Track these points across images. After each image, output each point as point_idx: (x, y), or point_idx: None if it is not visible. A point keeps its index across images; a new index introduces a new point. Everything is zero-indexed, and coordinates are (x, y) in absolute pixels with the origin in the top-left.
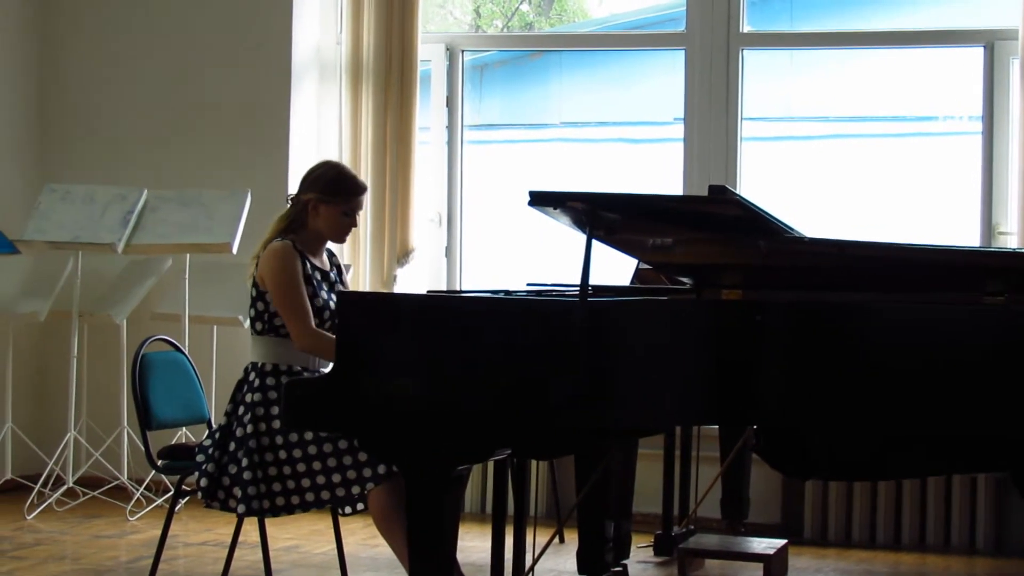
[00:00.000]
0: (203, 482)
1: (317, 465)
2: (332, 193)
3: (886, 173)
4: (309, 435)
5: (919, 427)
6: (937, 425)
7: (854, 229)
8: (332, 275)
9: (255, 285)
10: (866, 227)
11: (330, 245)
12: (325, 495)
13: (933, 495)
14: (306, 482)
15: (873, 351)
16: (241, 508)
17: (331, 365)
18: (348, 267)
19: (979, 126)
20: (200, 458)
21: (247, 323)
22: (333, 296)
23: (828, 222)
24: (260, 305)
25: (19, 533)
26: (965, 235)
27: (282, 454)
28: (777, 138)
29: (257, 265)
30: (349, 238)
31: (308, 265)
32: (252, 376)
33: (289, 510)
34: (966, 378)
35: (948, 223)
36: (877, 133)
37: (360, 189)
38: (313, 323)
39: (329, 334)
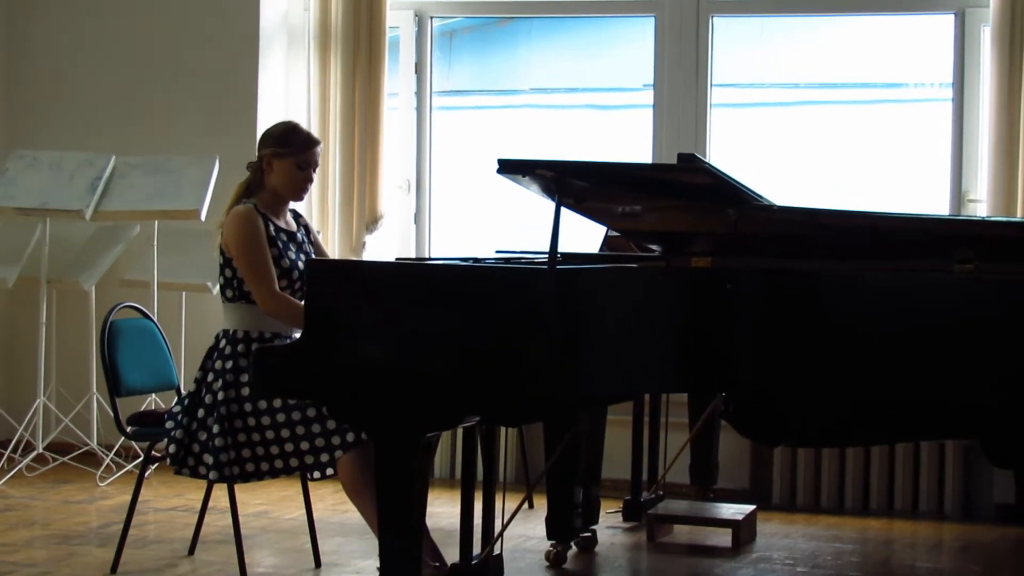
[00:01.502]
0: (172, 448)
1: (286, 432)
2: (284, 144)
3: (856, 140)
4: (278, 402)
5: (888, 394)
6: (906, 392)
7: (824, 197)
8: (300, 235)
9: (222, 252)
10: (836, 195)
11: (296, 207)
12: (294, 462)
13: (901, 461)
14: (275, 449)
15: (843, 318)
16: (213, 475)
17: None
18: (318, 232)
19: (949, 93)
20: (169, 424)
21: (216, 290)
22: (302, 257)
23: (799, 190)
24: (228, 272)
25: None
26: (935, 203)
27: (251, 421)
28: (747, 105)
29: (222, 232)
30: (317, 204)
31: (272, 227)
32: (223, 343)
33: (259, 476)
34: (935, 345)
35: (918, 191)
36: (847, 100)
37: (312, 142)
38: (277, 286)
39: (294, 299)
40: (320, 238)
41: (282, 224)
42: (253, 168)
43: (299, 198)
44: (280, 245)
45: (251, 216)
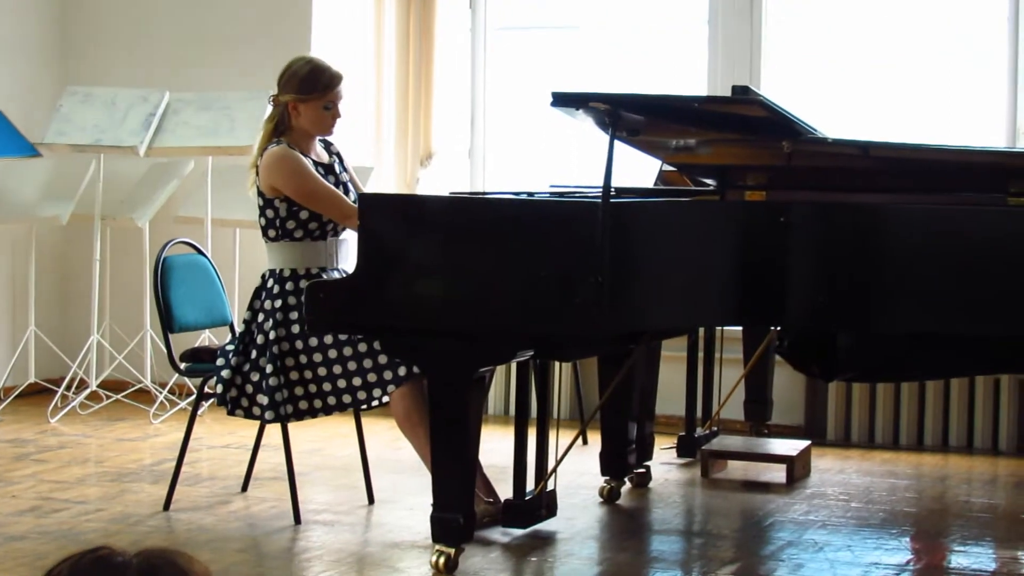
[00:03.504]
0: (219, 389)
1: (338, 369)
2: (309, 91)
3: (910, 72)
4: (329, 339)
5: (942, 327)
6: (961, 325)
7: (878, 130)
8: (334, 165)
9: (260, 194)
10: (890, 128)
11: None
12: (347, 399)
13: (956, 396)
14: (327, 386)
15: (898, 252)
16: (269, 415)
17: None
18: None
19: (1005, 28)
20: (220, 362)
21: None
22: (339, 186)
23: (852, 123)
24: (270, 212)
25: (43, 436)
26: (989, 136)
27: (303, 358)
28: (801, 42)
29: (257, 173)
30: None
31: (309, 162)
32: (270, 283)
33: (313, 414)
34: (989, 278)
35: (972, 125)
36: (901, 42)
37: (336, 80)
38: (350, 200)
39: None
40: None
41: (315, 157)
42: (277, 110)
43: (328, 134)
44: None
45: (289, 152)
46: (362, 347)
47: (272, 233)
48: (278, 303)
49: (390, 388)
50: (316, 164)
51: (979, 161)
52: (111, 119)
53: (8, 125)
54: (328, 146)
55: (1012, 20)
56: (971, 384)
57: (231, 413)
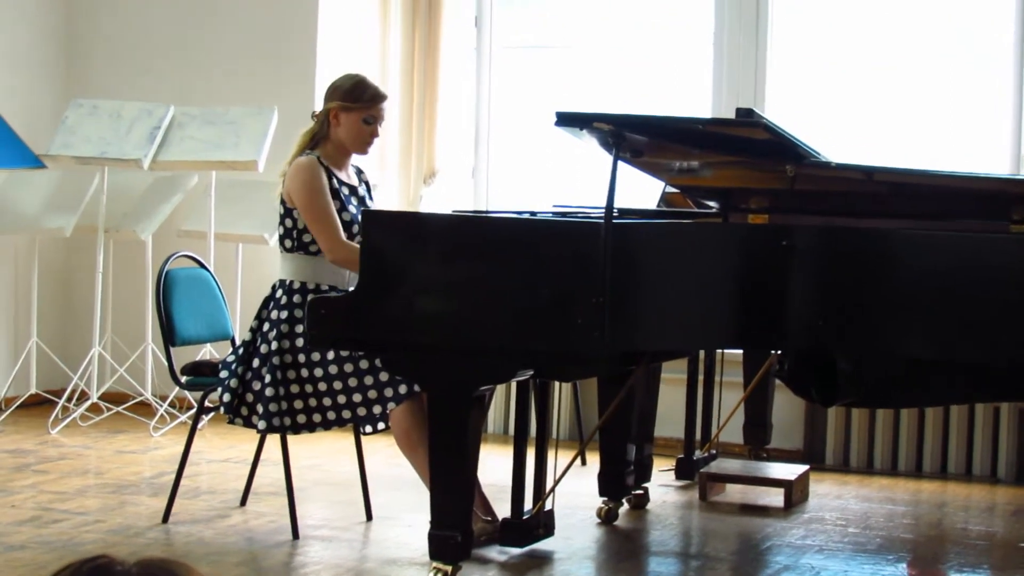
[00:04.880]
0: (226, 397)
1: (339, 385)
2: (352, 99)
3: (915, 97)
4: (331, 354)
5: (943, 354)
6: (961, 352)
7: (881, 155)
8: (361, 190)
9: (283, 202)
10: (894, 153)
11: (357, 160)
12: (347, 414)
13: (956, 423)
14: (327, 401)
15: (900, 277)
16: (262, 424)
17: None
18: (375, 186)
19: (1012, 53)
20: (224, 374)
21: (272, 241)
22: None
23: (856, 147)
24: (288, 222)
25: (43, 447)
26: (993, 163)
27: (304, 372)
28: (806, 61)
29: (284, 182)
30: (375, 157)
31: (335, 180)
32: (279, 293)
33: (311, 428)
34: (991, 305)
35: (976, 151)
36: (907, 56)
37: (380, 97)
38: (343, 235)
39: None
40: (376, 193)
41: (344, 177)
42: (319, 119)
43: (364, 152)
44: (343, 198)
45: (314, 167)
46: (363, 364)
47: (288, 244)
48: (284, 314)
49: (390, 405)
50: (343, 184)
51: (982, 188)
52: (116, 132)
53: (13, 136)
54: (359, 173)
55: (1018, 45)
56: (971, 411)
57: (231, 421)
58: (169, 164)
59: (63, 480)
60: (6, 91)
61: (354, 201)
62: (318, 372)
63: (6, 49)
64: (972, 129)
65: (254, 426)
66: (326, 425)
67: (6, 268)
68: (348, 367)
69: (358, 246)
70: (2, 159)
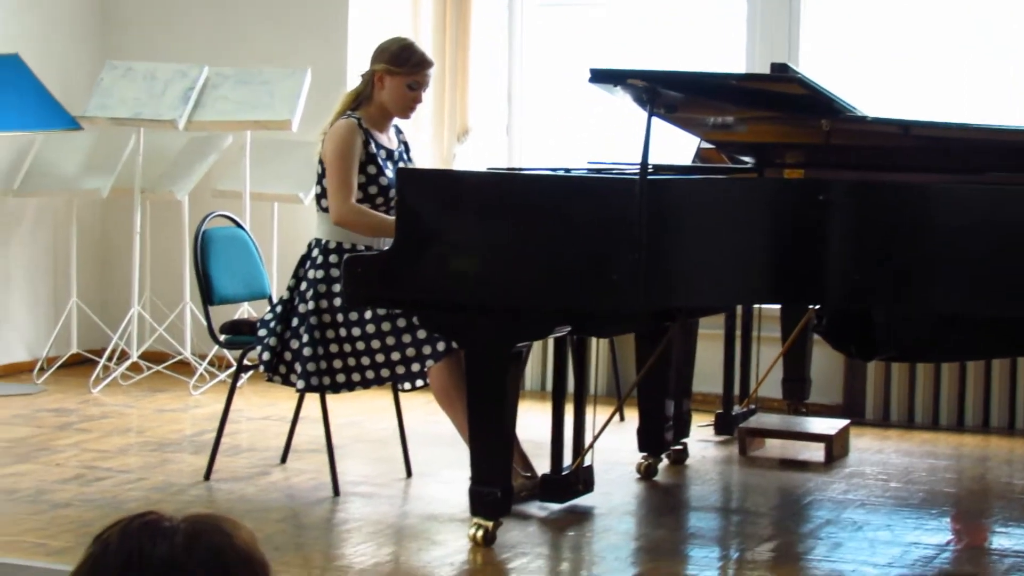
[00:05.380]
0: (265, 356)
1: (377, 344)
2: (398, 63)
3: (952, 49)
4: (369, 314)
5: (981, 308)
6: (1000, 306)
7: (916, 108)
8: (397, 153)
9: (320, 162)
10: (929, 106)
11: (397, 122)
12: (385, 373)
13: (997, 377)
14: (366, 360)
15: (937, 231)
16: (300, 384)
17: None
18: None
19: None
20: (262, 332)
21: (307, 199)
22: None
23: (890, 101)
24: (326, 182)
25: (85, 406)
26: None
27: (343, 332)
28: (840, 14)
29: (323, 142)
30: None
31: (373, 144)
32: (315, 253)
33: (350, 387)
34: None
35: (1013, 104)
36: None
37: (427, 63)
38: (354, 200)
39: (372, 211)
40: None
41: (384, 140)
42: (365, 81)
43: (406, 116)
44: (379, 163)
45: (351, 131)
46: (401, 322)
47: (325, 203)
48: (320, 274)
49: (428, 363)
50: (381, 148)
51: (1019, 141)
52: (151, 93)
53: (50, 98)
54: (399, 133)
55: None
56: (1012, 364)
57: (269, 379)
58: (204, 124)
59: (105, 439)
60: (42, 54)
61: (390, 165)
62: (356, 332)
63: (42, 13)
64: (1010, 81)
65: (292, 384)
66: (365, 384)
67: (45, 230)
68: (386, 326)
69: (364, 209)
70: (39, 121)
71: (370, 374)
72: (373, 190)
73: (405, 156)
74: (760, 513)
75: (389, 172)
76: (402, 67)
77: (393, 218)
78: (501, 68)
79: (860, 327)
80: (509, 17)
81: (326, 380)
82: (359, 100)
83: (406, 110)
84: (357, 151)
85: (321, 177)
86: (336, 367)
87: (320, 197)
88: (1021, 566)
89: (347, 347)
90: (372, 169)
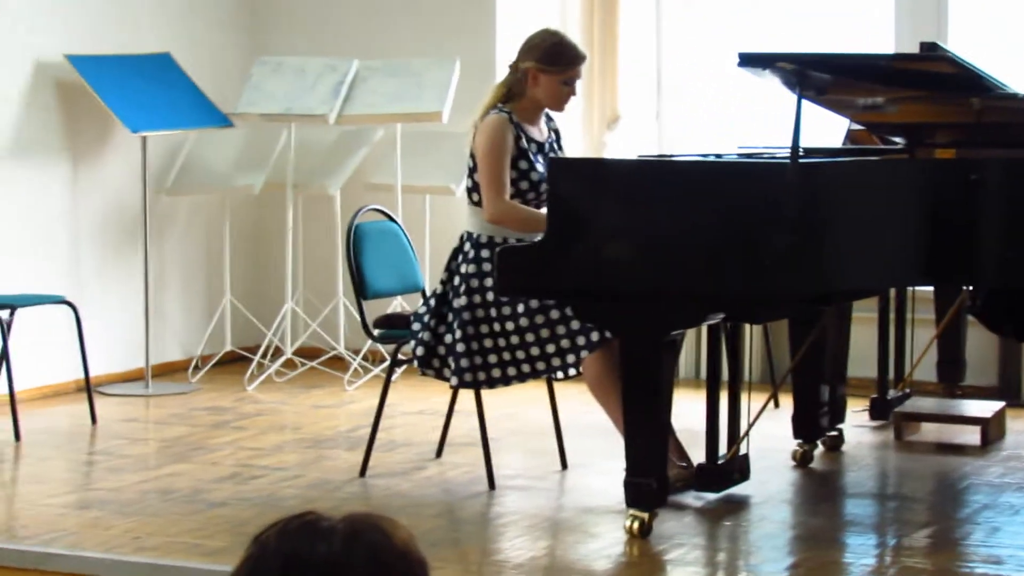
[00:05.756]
0: (419, 351)
1: (531, 337)
2: (552, 63)
3: None
4: (522, 307)
5: None
6: None
7: None
8: (547, 144)
9: (471, 155)
10: None
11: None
12: (541, 365)
13: None
14: (521, 354)
15: None
16: (454, 380)
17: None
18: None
19: None
20: (416, 326)
21: (459, 191)
22: None
23: None
24: (477, 175)
25: (240, 403)
26: None
27: (496, 326)
28: None
29: (475, 136)
30: None
31: (524, 139)
32: (467, 247)
33: (506, 382)
34: None
35: None
36: None
37: (580, 58)
38: (507, 195)
39: (523, 206)
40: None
41: (535, 134)
42: (515, 75)
43: (561, 110)
44: (530, 157)
45: (503, 127)
46: (554, 314)
47: (476, 196)
48: (472, 268)
49: (583, 353)
50: (532, 142)
51: None
52: (301, 88)
53: (202, 96)
54: (549, 120)
55: None
56: None
57: (423, 372)
58: (354, 118)
59: (261, 436)
60: (193, 52)
61: (541, 159)
62: (510, 325)
63: (192, 12)
64: None
65: (446, 379)
66: (521, 378)
67: (198, 228)
68: (539, 318)
69: (517, 204)
70: (192, 119)
71: (525, 367)
72: (524, 185)
73: (556, 145)
74: (916, 499)
75: (540, 166)
76: (556, 66)
77: (545, 212)
78: (649, 55)
79: (1015, 307)
80: (657, 2)
81: (481, 375)
82: (510, 93)
83: (561, 104)
84: (509, 147)
85: (472, 170)
86: (491, 361)
87: (472, 190)
88: None
89: (501, 341)
90: (523, 164)
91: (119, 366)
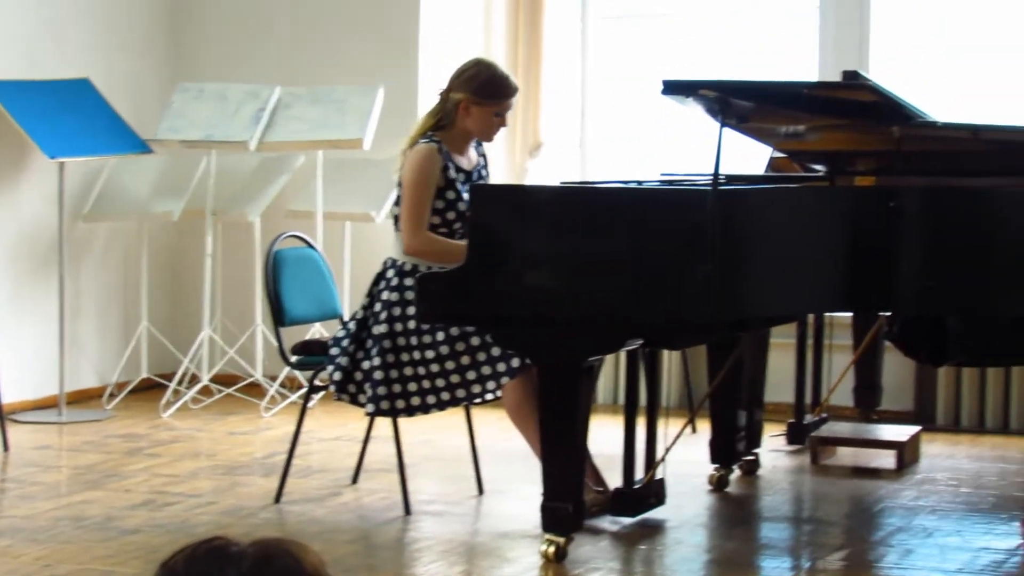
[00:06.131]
0: (336, 375)
1: (451, 364)
2: (487, 95)
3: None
4: (442, 335)
5: None
6: None
7: (988, 114)
8: (475, 172)
9: (399, 183)
10: (1001, 111)
11: None
12: (461, 393)
13: None
14: (441, 382)
15: (1009, 236)
16: (370, 407)
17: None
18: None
19: None
20: (334, 351)
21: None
22: None
23: (962, 107)
24: (400, 208)
25: (155, 430)
26: None
27: (416, 355)
28: (910, 20)
29: (403, 164)
30: None
31: (452, 168)
32: (391, 274)
33: (424, 410)
34: None
35: None
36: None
37: (513, 91)
38: (426, 228)
39: (442, 239)
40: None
41: (463, 163)
42: (445, 105)
43: (490, 140)
44: (458, 188)
45: (431, 158)
46: (475, 340)
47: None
48: (395, 296)
49: (503, 380)
50: (460, 171)
51: None
52: (222, 115)
53: (120, 122)
54: (478, 146)
55: None
56: None
57: (338, 398)
58: (276, 145)
59: (175, 463)
60: (113, 77)
61: (465, 188)
62: (430, 353)
63: (113, 36)
64: None
65: (361, 405)
66: (440, 406)
67: (116, 254)
68: (460, 345)
69: (436, 236)
70: (110, 145)
71: (445, 395)
72: (451, 215)
73: (484, 171)
74: (832, 522)
75: (467, 197)
76: (490, 99)
77: (464, 244)
78: (573, 82)
79: (931, 333)
80: (581, 30)
81: (399, 404)
82: (440, 123)
83: (491, 135)
84: (435, 179)
85: (400, 198)
86: (411, 390)
87: (398, 218)
88: None
89: (421, 369)
90: (451, 194)
91: (33, 393)
